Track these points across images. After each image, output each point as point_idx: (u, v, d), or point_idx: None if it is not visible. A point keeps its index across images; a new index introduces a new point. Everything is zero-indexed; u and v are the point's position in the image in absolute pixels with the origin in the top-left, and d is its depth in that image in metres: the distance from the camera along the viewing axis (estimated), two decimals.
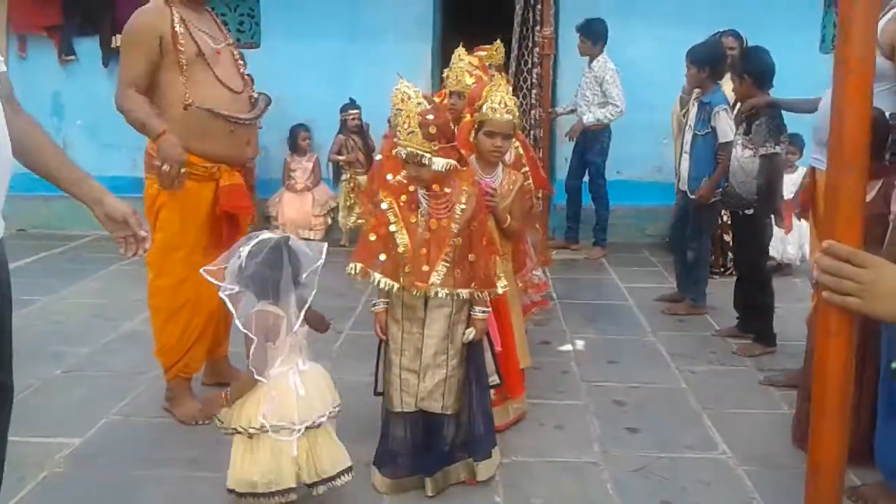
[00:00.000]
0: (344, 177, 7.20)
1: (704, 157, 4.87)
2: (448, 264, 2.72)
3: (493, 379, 3.08)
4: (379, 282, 2.75)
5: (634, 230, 7.56)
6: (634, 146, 7.34)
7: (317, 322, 2.74)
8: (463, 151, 2.94)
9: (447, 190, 2.75)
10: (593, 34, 6.63)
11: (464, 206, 2.74)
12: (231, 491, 2.58)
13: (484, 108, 3.25)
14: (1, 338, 2.21)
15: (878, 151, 2.96)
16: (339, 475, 2.62)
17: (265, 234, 2.56)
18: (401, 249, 2.71)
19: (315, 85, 7.48)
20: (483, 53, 5.67)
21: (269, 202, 7.39)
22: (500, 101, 3.29)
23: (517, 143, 3.69)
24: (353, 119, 7.11)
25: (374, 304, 2.89)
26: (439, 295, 2.73)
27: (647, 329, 4.90)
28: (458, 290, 2.74)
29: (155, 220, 3.33)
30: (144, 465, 3.12)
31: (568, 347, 4.55)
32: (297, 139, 7.41)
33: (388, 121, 4.15)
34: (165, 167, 3.09)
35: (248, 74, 3.47)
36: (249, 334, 2.48)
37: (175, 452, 3.22)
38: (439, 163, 2.68)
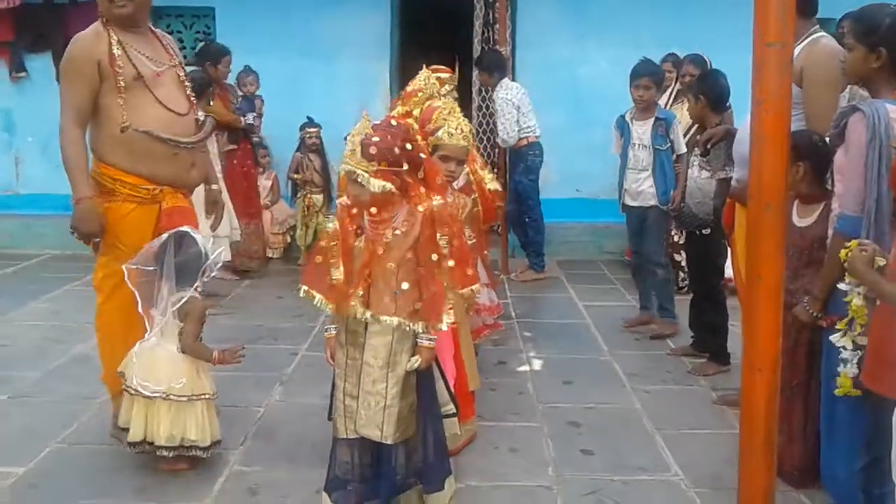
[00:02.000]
0: (300, 194, 7.16)
1: (671, 170, 5.01)
2: (384, 290, 2.70)
3: (449, 408, 3.06)
4: (318, 303, 2.74)
5: (592, 247, 7.63)
6: (591, 164, 7.42)
7: (193, 352, 3.18)
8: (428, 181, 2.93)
9: (386, 215, 2.73)
10: (488, 66, 6.77)
11: (399, 232, 2.71)
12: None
13: (440, 132, 3.26)
14: None
15: (820, 176, 3.01)
16: (161, 447, 3.11)
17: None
18: (334, 275, 2.70)
19: (271, 103, 7.43)
20: (445, 76, 5.69)
21: None
22: (456, 127, 3.32)
23: (468, 170, 3.70)
24: (311, 137, 7.08)
25: (327, 329, 2.86)
26: (374, 321, 2.71)
27: (604, 348, 4.93)
28: (392, 318, 2.70)
29: (95, 247, 3.30)
30: (90, 495, 3.04)
31: (524, 368, 4.56)
32: (257, 156, 7.35)
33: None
34: (76, 235, 3.13)
35: (192, 97, 3.43)
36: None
37: (122, 481, 3.15)
38: (375, 184, 2.63)
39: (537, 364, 4.64)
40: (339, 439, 2.82)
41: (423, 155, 2.84)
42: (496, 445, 3.53)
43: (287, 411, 3.88)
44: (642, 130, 5.11)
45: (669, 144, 5.04)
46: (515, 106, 6.44)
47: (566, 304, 6.04)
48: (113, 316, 3.33)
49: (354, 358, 2.78)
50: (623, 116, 5.32)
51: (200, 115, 3.41)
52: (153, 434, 3.11)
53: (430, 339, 2.77)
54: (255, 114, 6.93)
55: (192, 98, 3.40)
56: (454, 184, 3.40)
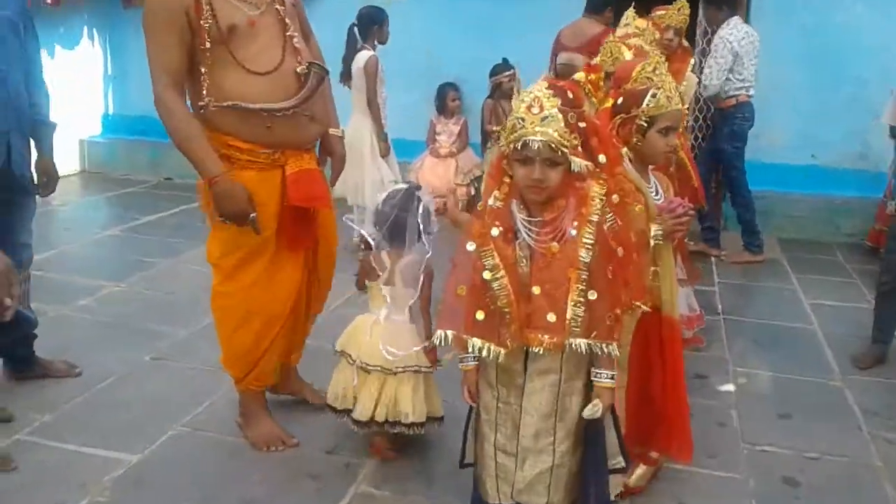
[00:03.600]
0: (489, 145, 6.50)
1: None
2: (580, 307, 2.00)
3: (617, 461, 2.35)
4: (481, 349, 2.07)
5: (825, 227, 6.38)
6: (833, 127, 6.21)
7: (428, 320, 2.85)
8: (609, 151, 2.20)
9: (555, 212, 2.03)
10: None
11: (572, 231, 2.00)
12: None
13: (657, 95, 2.46)
14: None
15: None
16: (412, 425, 2.81)
17: (398, 185, 2.94)
18: (501, 302, 2.03)
19: (464, 41, 6.81)
20: (662, 13, 4.77)
21: (411, 167, 6.81)
22: (672, 87, 2.52)
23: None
24: (507, 82, 6.36)
25: (463, 360, 2.22)
26: (538, 356, 2.07)
27: (835, 369, 3.93)
28: (579, 341, 2.02)
29: (212, 217, 2.81)
30: (193, 500, 2.67)
31: (728, 387, 3.69)
32: (446, 99, 6.78)
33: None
34: (226, 221, 2.63)
35: (296, 42, 2.72)
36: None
37: (230, 488, 2.75)
38: (578, 163, 2.01)
39: (745, 383, 3.75)
40: None
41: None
42: (681, 501, 2.77)
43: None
44: None
45: None
46: (733, 51, 5.30)
47: (787, 299, 4.99)
48: (234, 299, 2.88)
49: (508, 402, 2.15)
50: None
51: (303, 65, 2.71)
52: (389, 409, 2.83)
53: (609, 376, 2.07)
54: None
55: (297, 44, 2.72)
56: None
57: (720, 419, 3.38)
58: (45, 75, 3.35)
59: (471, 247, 2.08)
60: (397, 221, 2.78)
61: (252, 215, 2.60)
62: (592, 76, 3.31)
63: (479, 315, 2.06)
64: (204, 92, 2.62)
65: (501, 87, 6.36)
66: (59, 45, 7.83)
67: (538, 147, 1.95)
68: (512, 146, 2.00)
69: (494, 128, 6.42)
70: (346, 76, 5.27)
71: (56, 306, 4.30)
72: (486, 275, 2.03)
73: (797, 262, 5.71)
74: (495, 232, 2.05)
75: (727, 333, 4.31)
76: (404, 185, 2.90)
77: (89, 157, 8.02)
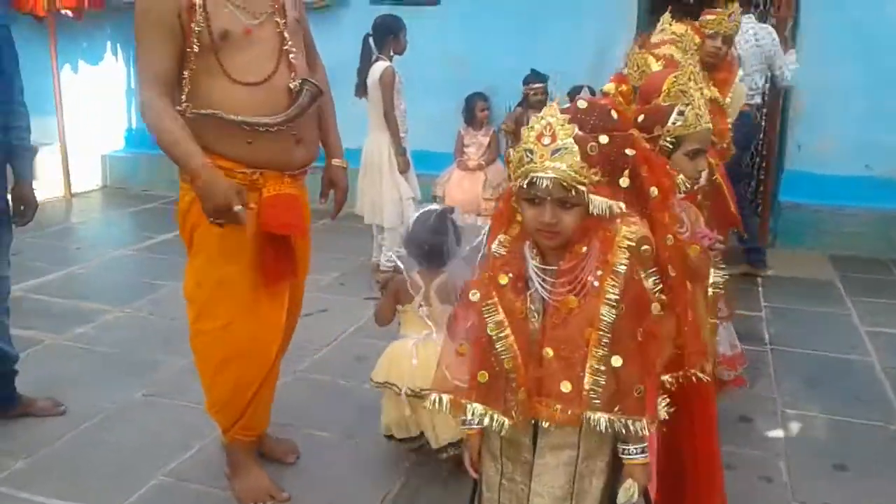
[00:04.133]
0: (507, 146, 6.14)
1: None
2: (600, 375, 1.66)
3: None
4: (483, 417, 1.75)
5: (882, 243, 5.88)
6: (890, 133, 5.77)
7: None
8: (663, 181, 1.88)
9: (574, 258, 1.69)
10: None
11: (594, 282, 1.66)
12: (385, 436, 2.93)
13: (685, 113, 2.12)
14: None
15: None
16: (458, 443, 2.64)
17: (432, 206, 2.89)
18: (507, 365, 1.70)
19: (498, 48, 6.48)
20: (711, 17, 4.39)
21: (438, 180, 6.48)
22: (702, 104, 2.19)
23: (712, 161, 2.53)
24: (535, 94, 6.02)
25: (465, 423, 1.88)
26: (549, 431, 1.73)
27: None
28: (596, 415, 1.67)
29: (190, 242, 2.56)
30: None
31: (777, 433, 3.29)
32: (475, 110, 6.42)
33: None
34: (212, 219, 2.33)
35: (293, 55, 2.48)
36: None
37: None
38: (600, 204, 1.67)
39: (795, 427, 3.35)
40: None
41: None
42: None
43: None
44: None
45: None
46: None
47: (841, 325, 4.55)
48: (211, 338, 2.59)
49: (514, 480, 1.82)
50: None
51: (295, 81, 2.47)
52: (434, 435, 2.76)
53: (641, 449, 1.73)
54: None
55: (294, 60, 2.48)
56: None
57: (766, 472, 2.99)
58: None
59: (474, 296, 1.76)
60: (433, 245, 2.74)
61: (237, 207, 2.29)
62: (624, 87, 2.97)
63: (483, 377, 1.74)
64: (183, 97, 2.39)
65: (528, 99, 6.03)
66: (82, 59, 7.72)
67: (547, 186, 1.62)
68: (519, 183, 1.67)
69: (505, 127, 6.10)
70: (361, 89, 4.99)
71: (52, 335, 4.09)
72: (490, 331, 1.71)
73: (851, 283, 5.25)
74: (504, 280, 1.73)
75: (775, 367, 3.91)
76: (436, 207, 2.85)
77: (111, 172, 7.86)
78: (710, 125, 2.16)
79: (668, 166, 1.98)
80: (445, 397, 1.79)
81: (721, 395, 3.05)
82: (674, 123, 2.11)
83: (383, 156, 4.95)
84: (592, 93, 5.47)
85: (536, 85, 6.00)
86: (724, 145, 3.29)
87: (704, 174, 2.45)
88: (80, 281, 5.06)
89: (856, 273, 5.44)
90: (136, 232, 6.36)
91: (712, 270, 2.01)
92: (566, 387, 1.66)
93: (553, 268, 1.71)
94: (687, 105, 2.14)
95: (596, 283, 1.67)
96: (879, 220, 5.92)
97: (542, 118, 1.67)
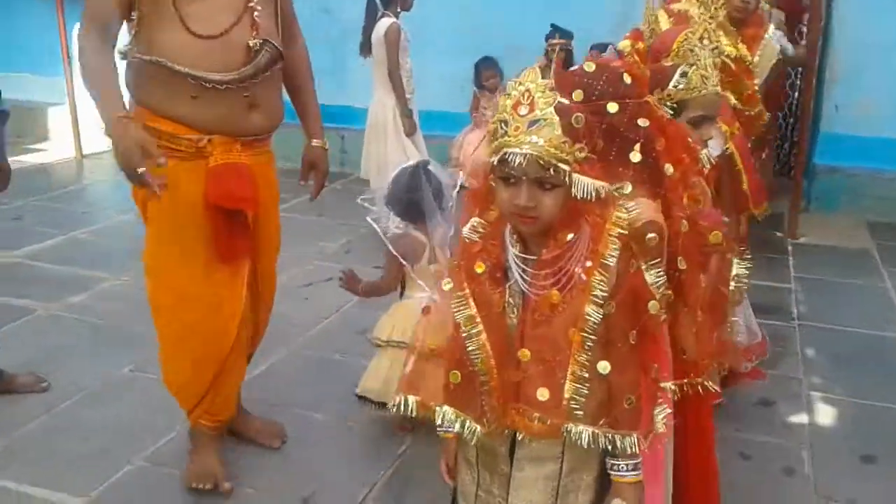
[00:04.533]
0: None
1: None
2: (583, 383, 1.44)
3: None
4: (455, 423, 1.54)
5: None
6: None
7: None
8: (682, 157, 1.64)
9: (557, 247, 1.45)
10: None
11: (580, 274, 1.43)
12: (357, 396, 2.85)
13: (689, 74, 1.87)
14: None
15: None
16: None
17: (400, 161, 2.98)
18: (477, 364, 1.48)
19: (519, 4, 6.15)
20: None
21: (454, 142, 6.19)
22: (710, 65, 1.94)
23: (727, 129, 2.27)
24: (556, 50, 5.67)
25: (442, 427, 1.66)
26: (527, 442, 1.50)
27: None
28: (578, 428, 1.45)
29: (143, 209, 2.38)
30: None
31: (801, 419, 3.04)
32: (481, 78, 6.03)
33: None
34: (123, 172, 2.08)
35: (256, 9, 2.25)
36: (391, 251, 2.71)
37: None
38: (584, 185, 1.41)
39: (821, 413, 3.10)
40: None
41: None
42: None
43: None
44: None
45: None
46: None
47: (877, 300, 4.25)
48: (168, 308, 2.43)
49: (491, 493, 1.61)
50: None
51: (253, 39, 2.24)
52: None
53: (634, 469, 1.50)
54: None
55: (259, 18, 2.25)
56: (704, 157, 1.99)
57: (789, 463, 2.75)
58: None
59: (447, 286, 1.55)
60: (410, 200, 2.71)
61: (141, 169, 2.02)
62: (640, 45, 2.70)
63: (455, 377, 1.53)
64: (130, 40, 2.21)
65: (550, 56, 5.70)
66: None
67: (521, 163, 1.37)
68: (492, 159, 1.43)
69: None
70: (366, 47, 4.74)
71: (45, 304, 3.96)
72: (461, 327, 1.50)
73: (889, 252, 4.93)
74: (480, 269, 1.50)
75: (802, 345, 3.65)
76: (412, 163, 2.80)
77: None
78: (719, 89, 1.90)
79: (689, 139, 1.73)
80: (412, 399, 1.58)
81: (736, 387, 2.84)
82: (675, 86, 1.86)
83: (388, 117, 4.72)
84: (565, 34, 5.18)
85: (558, 40, 5.66)
86: (753, 112, 2.99)
87: (715, 144, 2.20)
88: (80, 247, 4.91)
89: (894, 241, 5.11)
90: None
91: (736, 261, 1.75)
92: (543, 394, 1.44)
93: (534, 258, 1.48)
94: (692, 66, 1.88)
95: (584, 277, 1.44)
96: None
97: (519, 84, 1.42)
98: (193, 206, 2.27)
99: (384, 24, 4.62)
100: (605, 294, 1.41)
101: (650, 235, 1.44)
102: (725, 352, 1.67)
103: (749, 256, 1.79)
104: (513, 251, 1.50)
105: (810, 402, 3.15)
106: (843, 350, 3.61)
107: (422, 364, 1.61)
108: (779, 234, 5.23)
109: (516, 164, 1.37)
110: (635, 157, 1.52)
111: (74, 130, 7.04)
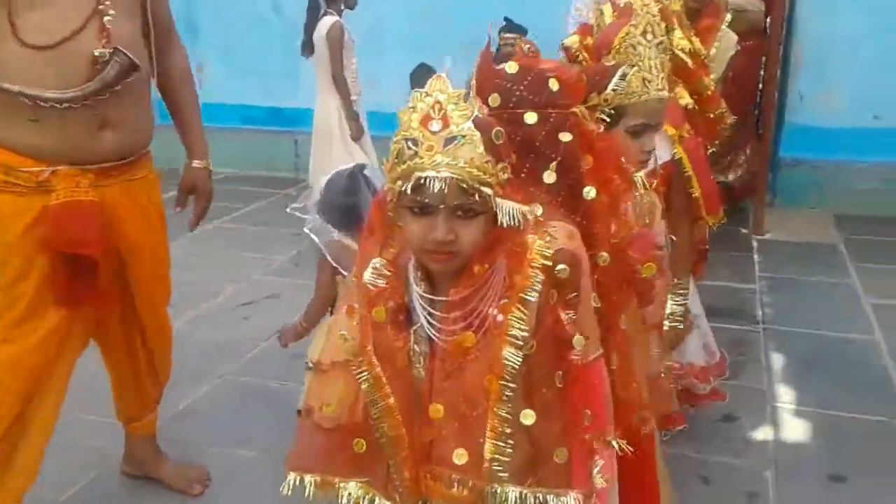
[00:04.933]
0: None
1: None
2: (506, 439, 1.24)
3: None
4: (362, 501, 1.36)
5: (891, 200, 5.39)
6: None
7: None
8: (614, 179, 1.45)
9: (472, 281, 1.26)
10: None
11: (497, 315, 1.23)
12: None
13: (628, 76, 1.68)
14: None
15: None
16: None
17: (341, 167, 2.67)
18: (384, 434, 1.29)
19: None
20: None
21: None
22: (656, 65, 1.74)
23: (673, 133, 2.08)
24: (508, 44, 5.49)
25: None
26: (508, 501, 1.26)
27: None
28: (499, 488, 1.25)
29: None
30: None
31: (765, 435, 2.86)
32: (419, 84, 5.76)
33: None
34: None
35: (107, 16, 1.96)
36: (327, 260, 2.53)
37: None
38: (510, 209, 1.23)
39: (788, 428, 2.93)
40: None
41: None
42: None
43: None
44: None
45: None
46: None
47: (844, 298, 4.10)
48: None
49: None
50: None
51: (100, 49, 1.95)
52: None
53: None
54: None
55: (111, 25, 1.97)
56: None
57: (750, 486, 2.57)
58: None
59: (343, 332, 1.35)
60: (348, 206, 2.51)
61: None
62: (589, 40, 2.50)
63: (359, 445, 1.33)
64: None
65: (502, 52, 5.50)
66: None
67: (442, 189, 1.17)
68: (398, 187, 1.21)
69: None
70: (308, 47, 4.51)
71: None
72: (365, 393, 1.30)
73: (857, 246, 4.79)
74: (380, 316, 1.30)
75: (767, 351, 3.48)
76: (347, 167, 2.64)
77: None
78: (663, 94, 1.70)
79: (622, 159, 1.52)
80: (309, 478, 1.37)
81: (696, 408, 2.67)
82: (614, 90, 1.66)
83: (333, 120, 4.51)
84: (517, 30, 4.95)
85: (510, 35, 5.45)
86: (714, 114, 2.75)
87: (662, 149, 2.01)
88: None
89: (861, 234, 4.98)
90: None
91: (671, 296, 1.55)
92: (461, 457, 1.25)
93: (443, 298, 1.28)
94: (634, 66, 1.69)
95: (500, 317, 1.24)
96: (889, 174, 5.44)
97: (426, 94, 1.21)
98: (19, 246, 1.98)
99: (326, 22, 4.41)
100: (524, 334, 1.22)
101: (560, 267, 1.24)
102: (646, 404, 1.46)
103: (685, 292, 1.59)
104: (417, 290, 1.29)
105: (775, 416, 2.98)
106: (809, 355, 3.45)
107: (312, 430, 1.40)
108: (743, 230, 5.08)
109: (435, 190, 1.16)
110: (549, 177, 1.33)
111: None
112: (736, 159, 5.47)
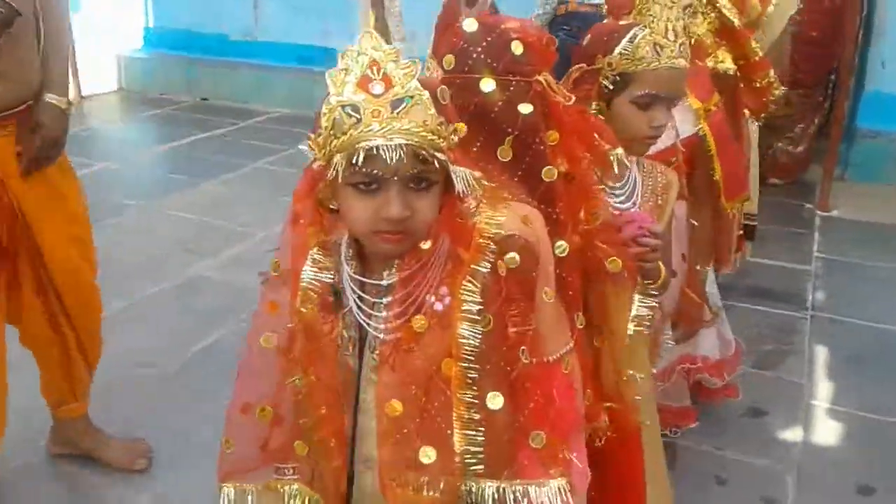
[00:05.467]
0: None
1: None
2: (476, 427, 1.09)
3: None
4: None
5: None
6: None
7: None
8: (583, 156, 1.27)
9: (418, 262, 1.10)
10: None
11: (439, 304, 1.08)
12: None
13: (637, 40, 1.47)
14: None
15: None
16: None
17: None
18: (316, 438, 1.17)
19: None
20: None
21: None
22: (669, 28, 1.53)
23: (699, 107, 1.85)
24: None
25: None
26: (485, 498, 1.11)
27: None
28: (474, 484, 1.10)
29: None
30: None
31: (796, 435, 2.64)
32: None
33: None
34: None
35: None
36: None
37: None
38: (464, 175, 1.05)
39: (821, 429, 2.69)
40: None
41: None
42: None
43: None
44: None
45: None
46: None
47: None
48: None
49: None
50: None
51: None
52: None
53: None
54: None
55: None
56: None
57: (769, 491, 2.37)
58: None
59: (268, 343, 1.21)
60: None
61: None
62: None
63: (301, 448, 1.21)
64: None
65: None
66: None
67: (396, 158, 0.99)
68: (339, 161, 1.02)
69: None
70: None
71: None
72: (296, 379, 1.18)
73: None
74: (306, 308, 1.15)
75: (811, 341, 3.23)
76: None
77: (127, 74, 7.46)
78: (679, 62, 1.48)
79: (595, 134, 1.32)
80: (251, 487, 1.25)
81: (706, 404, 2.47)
82: (621, 53, 1.45)
83: None
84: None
85: None
86: (761, 83, 2.46)
87: (685, 123, 1.79)
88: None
89: None
90: (139, 141, 6.00)
91: (637, 298, 1.35)
92: (428, 456, 1.10)
93: (380, 283, 1.12)
94: (646, 28, 1.47)
95: (447, 300, 1.08)
96: None
97: (357, 53, 1.03)
98: None
99: None
100: (479, 307, 1.06)
101: (510, 255, 1.07)
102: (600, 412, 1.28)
103: (656, 294, 1.38)
104: (348, 270, 1.14)
105: (808, 414, 2.75)
106: (858, 349, 3.17)
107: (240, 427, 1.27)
108: (808, 205, 4.74)
109: (390, 161, 0.99)
110: (504, 153, 1.15)
111: (73, 69, 6.81)
112: (808, 129, 5.11)
